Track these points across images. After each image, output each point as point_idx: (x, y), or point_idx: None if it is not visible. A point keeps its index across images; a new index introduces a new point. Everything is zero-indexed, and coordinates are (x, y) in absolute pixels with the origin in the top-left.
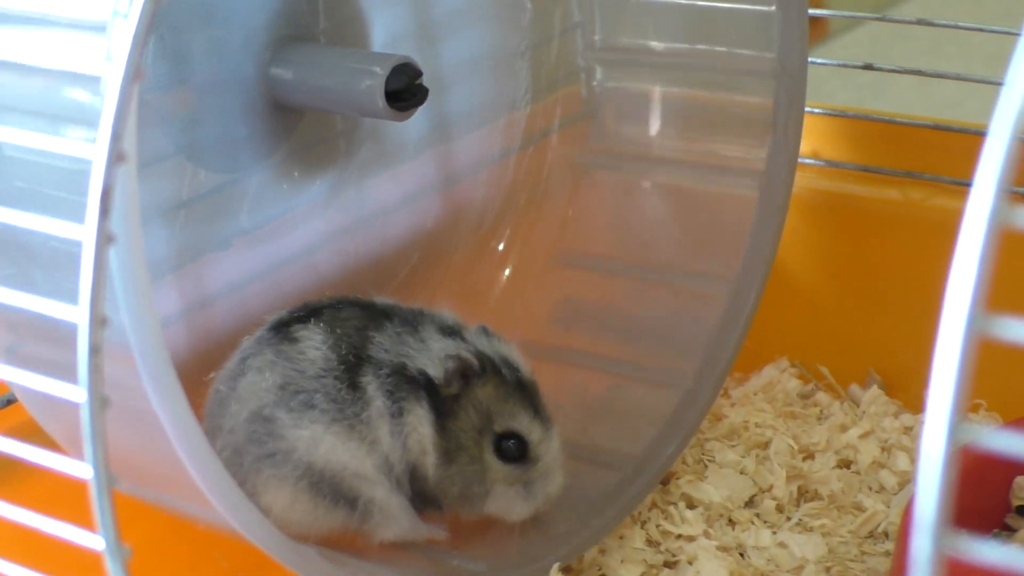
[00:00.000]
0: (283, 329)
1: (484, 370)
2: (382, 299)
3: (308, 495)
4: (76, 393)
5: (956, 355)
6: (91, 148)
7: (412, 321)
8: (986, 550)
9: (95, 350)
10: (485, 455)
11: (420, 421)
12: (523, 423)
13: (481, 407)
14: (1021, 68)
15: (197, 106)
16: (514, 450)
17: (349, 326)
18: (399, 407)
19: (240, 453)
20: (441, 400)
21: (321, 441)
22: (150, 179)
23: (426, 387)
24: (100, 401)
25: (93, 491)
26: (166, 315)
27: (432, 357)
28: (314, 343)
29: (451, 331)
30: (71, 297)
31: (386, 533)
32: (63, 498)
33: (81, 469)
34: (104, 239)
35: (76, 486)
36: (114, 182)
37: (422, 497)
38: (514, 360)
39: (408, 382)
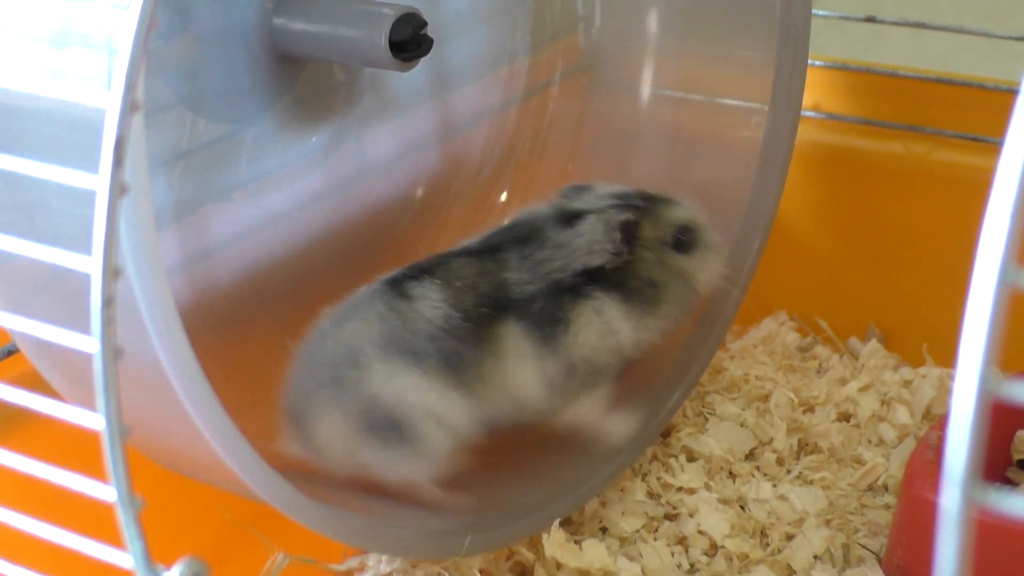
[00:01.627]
0: (397, 285)
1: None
2: (470, 240)
3: (364, 431)
4: (89, 344)
5: (988, 308)
6: (105, 96)
7: (526, 238)
8: (1017, 503)
9: (108, 301)
10: (683, 267)
11: (597, 312)
12: (682, 214)
13: (650, 242)
14: None
15: (199, 55)
16: (696, 237)
17: (467, 276)
18: (560, 326)
19: (320, 383)
20: (613, 273)
21: (413, 390)
22: (151, 129)
23: (591, 279)
24: (113, 352)
25: (106, 442)
26: (167, 266)
27: (582, 250)
28: (432, 301)
29: (566, 216)
30: (71, 243)
31: (416, 472)
32: (63, 448)
33: (93, 420)
34: (118, 189)
35: (75, 436)
36: (128, 132)
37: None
38: (621, 189)
39: (567, 292)
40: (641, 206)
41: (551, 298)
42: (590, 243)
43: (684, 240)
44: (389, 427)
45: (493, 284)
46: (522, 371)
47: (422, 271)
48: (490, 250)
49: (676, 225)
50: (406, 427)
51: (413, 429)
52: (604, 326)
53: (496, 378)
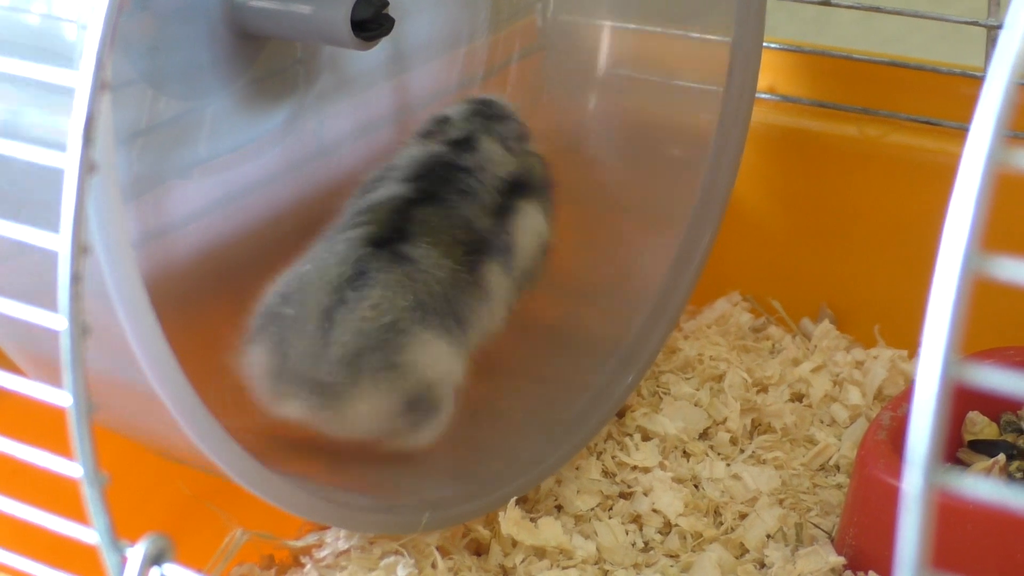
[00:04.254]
0: (392, 248)
1: None
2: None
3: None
4: (56, 321)
5: (952, 294)
6: (74, 76)
7: (448, 178)
8: (978, 486)
9: (76, 278)
10: (532, 150)
11: (529, 219)
12: (508, 106)
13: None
14: (1020, 12)
15: (159, 32)
16: (521, 123)
17: (443, 227)
18: (512, 250)
19: (359, 356)
20: (518, 180)
21: (444, 357)
22: (110, 105)
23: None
24: (81, 329)
25: (72, 419)
26: None
27: (497, 165)
28: (434, 259)
29: (462, 143)
30: (35, 211)
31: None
32: (19, 422)
33: (60, 397)
34: (87, 167)
35: (30, 410)
36: (98, 110)
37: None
38: (468, 105)
39: (500, 215)
40: (500, 113)
41: (498, 227)
42: (500, 159)
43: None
44: (422, 398)
45: (464, 228)
46: (501, 307)
47: (401, 231)
48: (432, 197)
49: (515, 120)
50: (435, 396)
51: (439, 397)
52: (535, 230)
53: (483, 320)
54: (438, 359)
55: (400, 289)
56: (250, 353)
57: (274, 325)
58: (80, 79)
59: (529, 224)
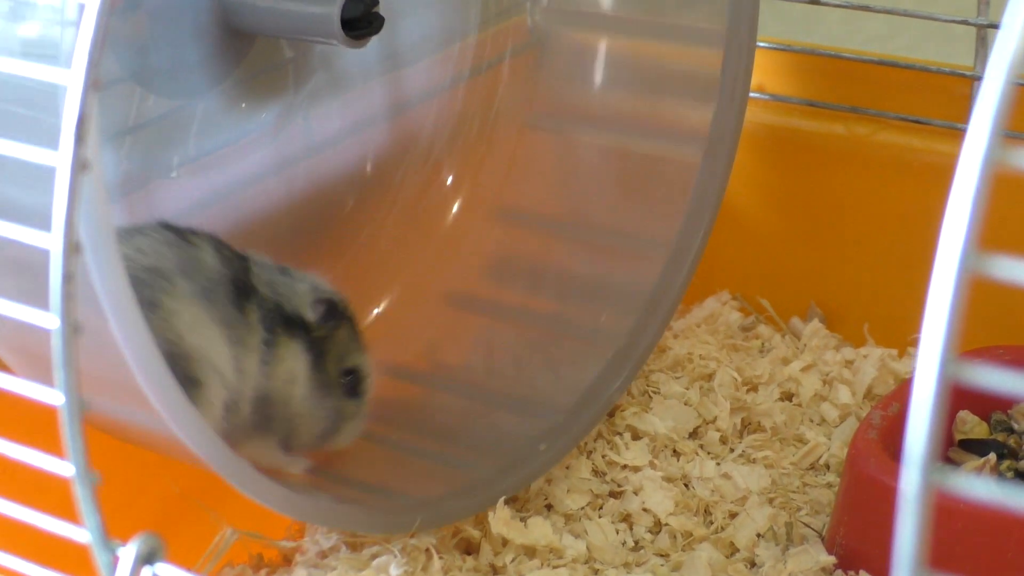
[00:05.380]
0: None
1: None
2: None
3: None
4: (48, 319)
5: (949, 294)
6: (66, 74)
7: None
8: (975, 485)
9: (68, 277)
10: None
11: (292, 355)
12: (363, 360)
13: (339, 346)
14: (1017, 10)
15: (149, 29)
16: (358, 385)
17: (227, 248)
18: (273, 339)
19: None
20: (315, 340)
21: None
22: (100, 104)
23: (302, 327)
24: (73, 327)
25: (64, 418)
26: None
27: (302, 299)
28: (208, 251)
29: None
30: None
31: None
32: (12, 422)
33: (51, 395)
34: (80, 166)
35: (24, 409)
36: (91, 109)
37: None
38: (339, 296)
39: (284, 320)
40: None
41: (275, 312)
42: (303, 296)
43: (352, 381)
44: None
45: (243, 262)
46: (255, 356)
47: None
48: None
49: (357, 365)
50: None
51: (199, 370)
52: (294, 371)
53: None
54: (198, 322)
55: (168, 248)
56: None
57: None
58: (72, 77)
59: (285, 353)
